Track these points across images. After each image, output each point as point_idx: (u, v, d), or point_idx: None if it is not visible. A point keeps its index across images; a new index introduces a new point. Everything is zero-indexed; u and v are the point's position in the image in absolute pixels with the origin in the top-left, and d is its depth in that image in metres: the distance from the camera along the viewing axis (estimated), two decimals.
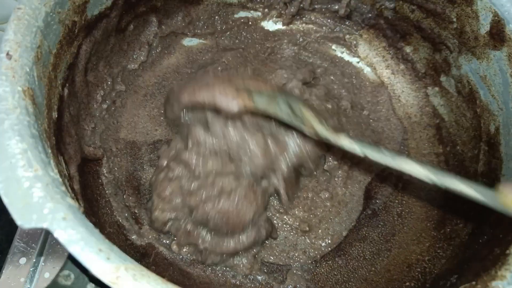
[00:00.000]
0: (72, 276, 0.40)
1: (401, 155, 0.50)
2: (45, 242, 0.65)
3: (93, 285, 0.40)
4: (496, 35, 0.57)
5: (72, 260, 0.40)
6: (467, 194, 0.42)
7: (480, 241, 0.52)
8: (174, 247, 0.61)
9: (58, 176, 0.40)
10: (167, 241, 0.61)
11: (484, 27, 0.58)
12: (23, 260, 0.64)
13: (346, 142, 0.54)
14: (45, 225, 0.35)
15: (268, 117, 0.59)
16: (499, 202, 0.40)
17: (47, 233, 0.66)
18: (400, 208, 0.67)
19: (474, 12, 0.59)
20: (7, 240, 0.66)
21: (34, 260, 0.64)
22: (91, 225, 0.37)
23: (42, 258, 0.65)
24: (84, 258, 0.34)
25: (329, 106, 0.69)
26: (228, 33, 0.78)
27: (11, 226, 0.67)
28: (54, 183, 0.38)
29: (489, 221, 0.53)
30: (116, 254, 0.35)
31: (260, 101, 0.57)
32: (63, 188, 0.39)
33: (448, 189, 0.44)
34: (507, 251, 0.40)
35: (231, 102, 0.56)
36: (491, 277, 0.39)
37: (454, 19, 0.62)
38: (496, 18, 0.56)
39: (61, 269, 0.40)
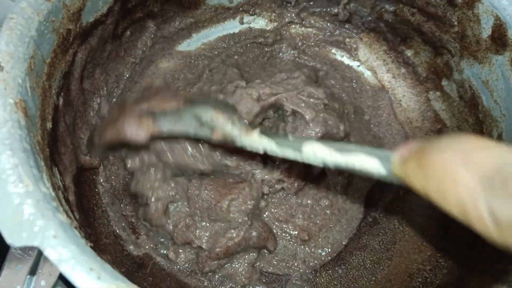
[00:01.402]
0: None
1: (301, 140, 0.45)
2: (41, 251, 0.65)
3: None
4: (498, 39, 0.56)
5: (63, 279, 0.39)
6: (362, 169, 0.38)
7: (482, 253, 0.51)
8: (171, 254, 0.60)
9: (50, 190, 0.40)
10: (164, 251, 0.61)
11: (486, 31, 0.57)
12: (19, 267, 0.63)
13: (256, 139, 0.50)
14: (35, 243, 0.34)
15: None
16: (393, 173, 0.35)
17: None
18: (401, 216, 0.66)
19: (475, 16, 0.58)
20: (4, 247, 0.66)
21: (30, 267, 0.63)
22: (82, 242, 0.36)
23: (39, 266, 0.64)
24: (74, 278, 0.33)
25: (336, 105, 0.68)
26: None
27: None
28: (45, 198, 0.37)
29: None
30: (107, 272, 0.35)
31: (164, 123, 0.54)
32: (55, 203, 0.38)
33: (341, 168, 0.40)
34: (509, 267, 0.40)
35: (135, 133, 0.53)
36: None
37: (455, 23, 0.61)
38: (498, 22, 0.55)
39: (54, 287, 0.39)
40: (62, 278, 0.58)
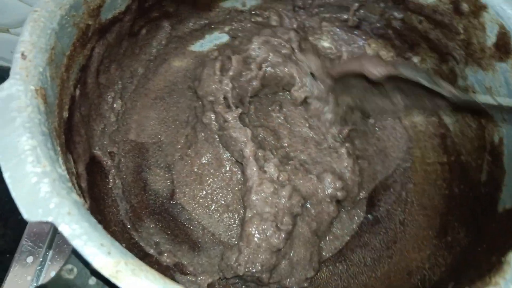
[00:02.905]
0: (75, 270, 0.41)
1: None
2: (52, 242, 0.67)
3: (94, 279, 0.41)
4: (502, 47, 0.57)
5: (75, 254, 0.41)
6: None
7: (479, 249, 0.52)
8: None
9: (65, 172, 0.42)
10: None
11: (491, 39, 0.59)
12: (30, 259, 0.66)
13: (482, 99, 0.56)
14: (50, 219, 0.36)
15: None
16: None
17: (54, 233, 0.68)
18: (403, 216, 0.67)
19: (481, 24, 0.60)
20: (15, 240, 0.68)
21: (41, 259, 0.65)
22: (94, 220, 0.38)
23: (49, 257, 0.66)
24: (86, 252, 0.35)
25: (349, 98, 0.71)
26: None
27: (19, 227, 0.69)
28: (61, 179, 0.39)
29: (489, 229, 0.53)
30: (117, 249, 0.37)
31: (404, 69, 0.61)
32: (70, 184, 0.40)
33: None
34: (503, 259, 0.41)
35: (376, 67, 0.61)
36: (485, 284, 0.39)
37: (461, 31, 0.63)
38: (502, 30, 0.57)
39: (65, 263, 0.41)
40: None
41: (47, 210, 0.37)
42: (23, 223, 0.68)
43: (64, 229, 0.36)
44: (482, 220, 0.57)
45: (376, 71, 0.60)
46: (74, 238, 0.36)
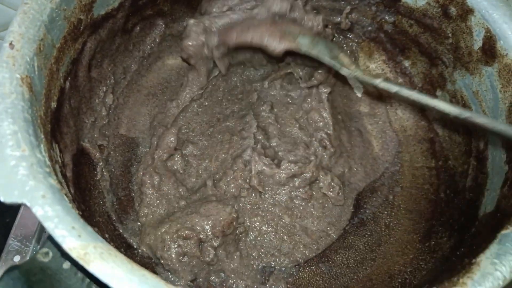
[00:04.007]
0: (51, 254, 0.42)
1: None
2: (39, 240, 0.68)
3: (69, 263, 0.42)
4: (488, 51, 0.58)
5: (50, 239, 0.42)
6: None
7: (457, 253, 0.52)
8: None
9: (45, 159, 0.43)
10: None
11: (477, 42, 0.59)
12: (17, 258, 0.66)
13: (381, 83, 0.57)
14: (24, 201, 0.37)
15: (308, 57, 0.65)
16: None
17: (41, 232, 0.69)
18: (389, 220, 0.67)
19: (468, 28, 0.60)
20: (2, 240, 0.69)
21: (28, 258, 0.66)
22: (68, 205, 0.39)
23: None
24: (56, 234, 0.36)
25: None
26: None
27: (5, 228, 0.70)
28: (39, 163, 0.40)
29: (469, 234, 0.53)
30: (88, 233, 0.37)
31: (304, 42, 0.62)
32: (48, 169, 0.41)
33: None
34: (473, 260, 0.41)
35: (276, 43, 0.62)
36: (452, 284, 0.39)
37: (450, 34, 0.63)
38: (488, 34, 0.57)
39: (41, 247, 0.42)
40: None
41: (22, 192, 0.38)
42: (10, 224, 0.69)
43: (37, 211, 0.37)
44: (464, 225, 0.57)
45: (275, 45, 0.62)
46: (46, 220, 0.37)
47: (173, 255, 0.58)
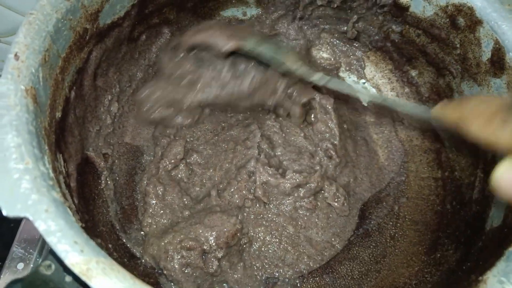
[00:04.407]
0: (53, 266, 0.41)
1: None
2: (42, 248, 0.68)
3: (70, 277, 0.42)
4: (497, 62, 0.57)
5: (52, 253, 0.42)
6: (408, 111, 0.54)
7: (464, 267, 0.51)
8: None
9: (49, 171, 0.43)
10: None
11: (486, 54, 0.59)
12: (20, 266, 0.66)
13: (317, 78, 0.63)
14: (27, 215, 0.37)
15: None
16: (431, 115, 0.47)
17: (44, 243, 0.68)
18: (394, 231, 0.67)
19: (476, 39, 0.59)
20: (6, 247, 0.69)
21: (31, 266, 0.66)
22: (72, 219, 0.39)
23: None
24: (59, 249, 0.36)
25: None
26: None
27: (10, 234, 0.70)
28: (42, 176, 0.40)
29: (475, 248, 0.53)
30: (91, 248, 0.37)
31: (250, 42, 0.65)
32: (51, 182, 0.41)
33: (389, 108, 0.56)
34: (480, 278, 0.40)
35: (225, 41, 0.64)
36: None
37: (458, 45, 0.63)
38: (497, 46, 0.57)
39: (44, 260, 0.42)
40: None
41: (25, 206, 0.37)
42: (14, 230, 0.69)
43: (40, 225, 0.37)
44: (470, 238, 0.56)
45: (222, 44, 0.64)
46: (49, 234, 0.37)
47: (176, 266, 0.58)
